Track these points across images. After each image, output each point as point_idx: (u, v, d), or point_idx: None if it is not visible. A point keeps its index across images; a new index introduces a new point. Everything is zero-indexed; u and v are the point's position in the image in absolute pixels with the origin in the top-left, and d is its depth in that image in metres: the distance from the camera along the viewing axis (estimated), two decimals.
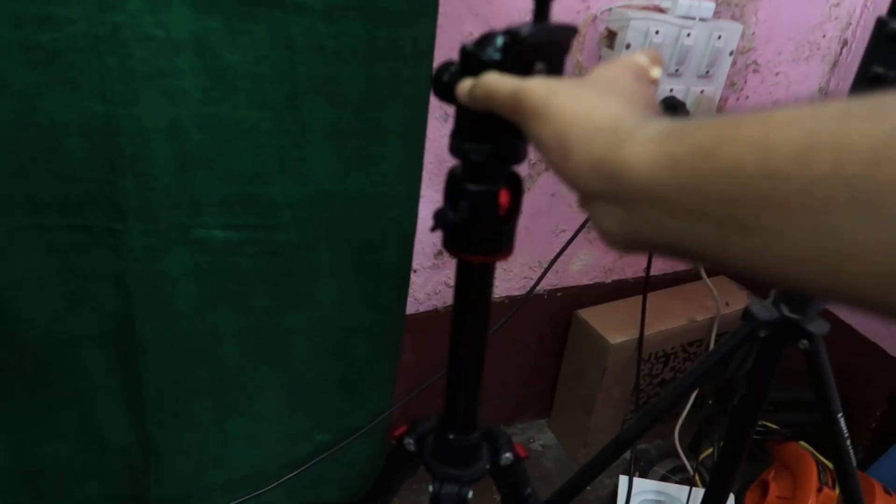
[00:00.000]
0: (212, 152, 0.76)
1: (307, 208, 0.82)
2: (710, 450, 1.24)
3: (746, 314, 0.73)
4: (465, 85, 0.40)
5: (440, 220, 0.47)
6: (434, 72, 0.44)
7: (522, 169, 1.03)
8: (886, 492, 1.04)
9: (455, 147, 0.45)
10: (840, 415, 0.70)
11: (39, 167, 0.72)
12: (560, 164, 0.30)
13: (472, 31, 0.91)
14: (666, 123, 0.26)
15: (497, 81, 0.37)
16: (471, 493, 0.59)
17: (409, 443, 0.63)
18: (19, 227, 0.74)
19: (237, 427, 0.97)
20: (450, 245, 0.49)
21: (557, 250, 1.12)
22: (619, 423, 1.27)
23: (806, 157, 0.20)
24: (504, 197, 0.48)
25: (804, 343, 0.70)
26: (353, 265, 0.89)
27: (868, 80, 0.60)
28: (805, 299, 0.69)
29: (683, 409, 1.25)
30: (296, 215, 0.82)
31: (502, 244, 0.49)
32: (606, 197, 0.28)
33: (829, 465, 1.09)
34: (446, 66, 0.44)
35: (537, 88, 0.33)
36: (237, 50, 0.71)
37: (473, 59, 0.40)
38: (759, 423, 1.18)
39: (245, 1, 0.69)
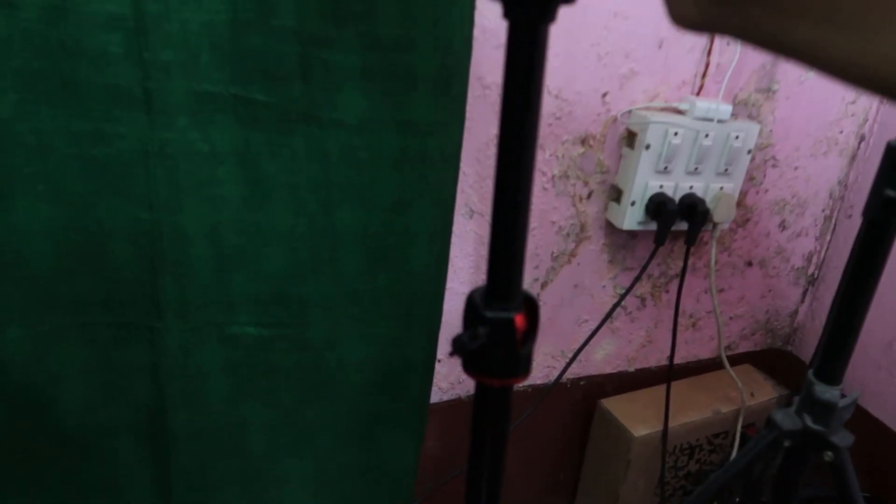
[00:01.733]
0: (248, 255, 0.79)
1: (337, 306, 0.85)
2: None
3: (770, 422, 0.73)
4: None
5: (458, 346, 0.48)
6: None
7: (544, 261, 1.06)
8: None
9: None
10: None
11: (86, 269, 0.76)
12: None
13: (497, 134, 0.95)
14: None
15: None
16: None
17: None
18: (63, 325, 0.78)
19: None
20: (469, 368, 0.51)
21: (580, 340, 1.13)
22: None
23: None
24: (521, 321, 0.50)
25: (829, 455, 0.69)
26: (380, 359, 0.91)
27: (881, 203, 0.62)
28: (828, 410, 0.69)
29: None
30: (326, 313, 0.85)
31: (520, 367, 0.51)
32: None
33: None
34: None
35: None
36: (275, 161, 0.76)
37: None
38: None
39: (284, 117, 0.74)
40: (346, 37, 0.71)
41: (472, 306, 0.49)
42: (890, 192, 0.60)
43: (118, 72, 0.67)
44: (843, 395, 0.70)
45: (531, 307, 0.50)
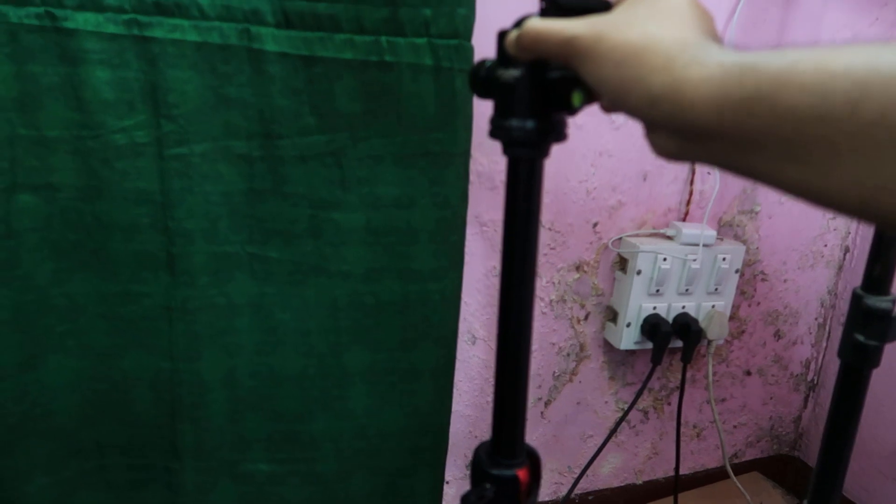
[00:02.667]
0: (261, 396, 0.84)
1: (346, 441, 0.88)
2: None
3: None
4: (511, 35, 0.39)
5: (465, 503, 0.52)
6: (471, 70, 0.45)
7: (546, 380, 1.09)
8: None
9: (495, 127, 0.42)
10: None
11: (108, 416, 0.80)
12: (620, 101, 0.32)
13: (496, 266, 1.01)
14: (720, 59, 0.27)
15: (545, 26, 0.36)
16: None
17: None
18: (85, 470, 0.82)
19: None
20: None
21: (586, 455, 1.15)
22: None
23: (857, 105, 0.22)
24: (524, 476, 0.54)
25: None
26: (388, 491, 0.93)
27: (852, 346, 0.66)
28: None
29: None
30: (336, 448, 0.88)
31: None
32: (667, 129, 0.30)
33: None
34: (481, 63, 0.45)
35: (588, 31, 0.33)
36: (288, 310, 0.81)
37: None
38: None
39: (296, 270, 0.80)
40: (351, 199, 0.78)
41: (478, 463, 0.53)
42: (859, 338, 0.65)
43: (145, 239, 0.74)
44: None
45: (534, 461, 0.54)
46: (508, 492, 0.53)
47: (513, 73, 0.40)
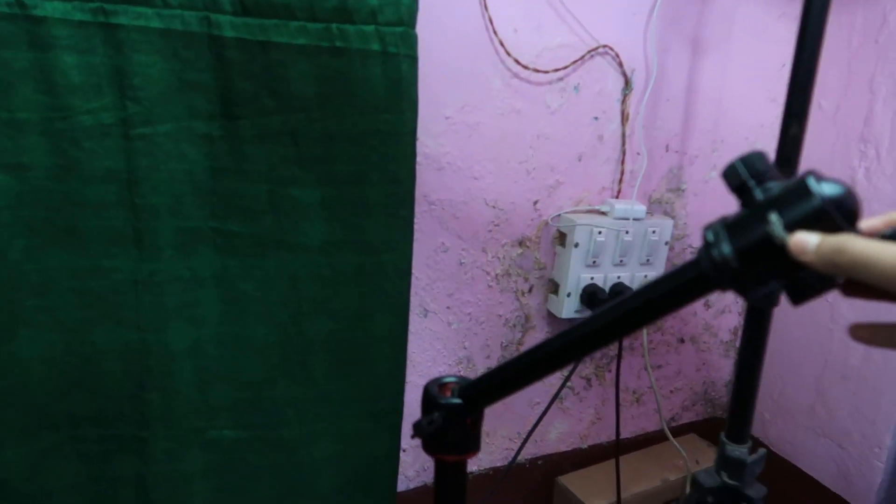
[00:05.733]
0: (226, 365, 0.89)
1: (309, 407, 0.94)
2: None
3: (695, 483, 0.84)
4: (810, 242, 0.34)
5: (418, 430, 0.59)
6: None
7: (495, 350, 1.17)
8: None
9: (746, 288, 0.39)
10: None
11: (80, 388, 0.84)
12: None
13: (444, 242, 1.08)
14: None
15: (874, 248, 0.32)
16: None
17: None
18: (57, 441, 0.85)
19: None
20: (429, 449, 0.61)
21: (534, 421, 1.23)
22: None
23: None
24: (467, 400, 0.61)
25: None
26: (350, 455, 0.99)
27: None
28: (739, 467, 0.80)
29: None
30: (299, 414, 0.94)
31: (471, 444, 0.61)
32: None
33: None
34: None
35: None
36: (250, 282, 0.87)
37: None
38: None
39: (257, 244, 0.86)
40: (307, 176, 0.84)
41: (429, 395, 0.60)
42: None
43: (113, 216, 0.79)
44: (752, 452, 0.81)
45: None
46: (456, 420, 0.60)
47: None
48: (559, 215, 1.16)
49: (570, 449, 1.35)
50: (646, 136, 1.19)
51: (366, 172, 0.87)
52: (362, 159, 0.86)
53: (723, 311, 1.43)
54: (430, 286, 1.10)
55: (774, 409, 1.40)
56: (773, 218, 0.36)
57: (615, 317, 0.48)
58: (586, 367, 1.30)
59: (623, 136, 1.17)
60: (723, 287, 0.40)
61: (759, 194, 0.38)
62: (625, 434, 1.40)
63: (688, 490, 1.32)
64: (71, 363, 0.83)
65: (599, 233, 1.13)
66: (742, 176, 0.39)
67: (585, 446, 1.37)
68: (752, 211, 0.37)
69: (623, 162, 1.19)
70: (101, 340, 0.83)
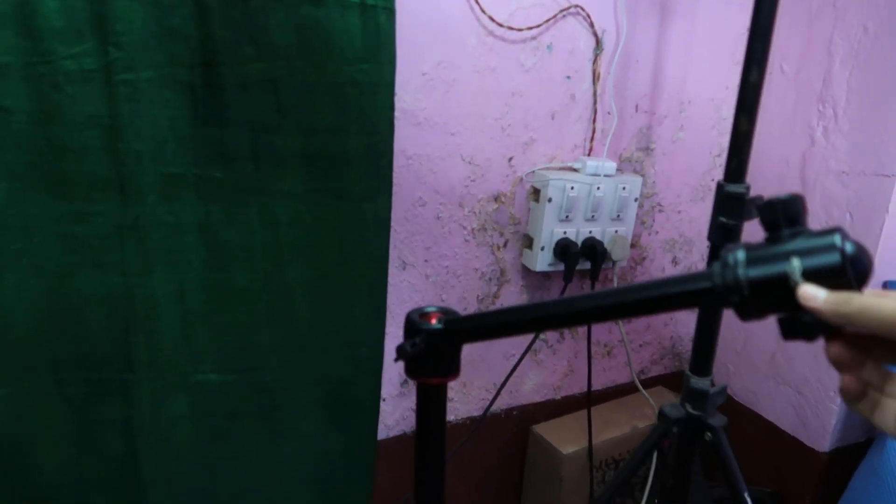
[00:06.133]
0: (210, 309, 0.91)
1: (291, 352, 0.97)
2: None
3: (661, 415, 0.88)
4: (823, 297, 0.38)
5: (401, 353, 0.62)
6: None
7: (471, 304, 1.20)
8: None
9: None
10: (745, 493, 0.84)
11: (64, 332, 0.86)
12: None
13: (421, 196, 1.11)
14: None
15: (878, 300, 0.36)
16: None
17: None
18: (42, 384, 0.87)
19: None
20: (410, 372, 0.65)
21: (508, 372, 1.28)
22: None
23: None
24: (444, 327, 0.64)
25: (708, 435, 0.85)
26: (331, 399, 1.02)
27: (718, 227, 0.80)
28: (702, 398, 0.85)
29: None
30: (281, 357, 0.96)
31: (451, 368, 0.65)
32: None
33: None
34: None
35: None
36: (233, 228, 0.89)
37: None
38: None
39: (239, 190, 0.88)
40: (288, 125, 0.86)
41: (411, 322, 0.63)
42: (722, 220, 0.79)
43: (96, 161, 0.80)
44: (713, 385, 0.87)
45: (450, 316, 0.65)
46: (437, 344, 0.64)
47: None
48: (533, 171, 1.19)
49: (544, 400, 1.40)
50: (616, 96, 1.23)
51: (345, 123, 0.89)
52: (341, 109, 0.88)
53: (690, 268, 1.48)
54: (408, 240, 1.13)
55: (737, 361, 1.46)
56: (796, 262, 0.38)
57: (616, 301, 0.51)
58: None
59: (594, 95, 1.21)
60: (726, 306, 0.43)
61: (787, 235, 0.40)
62: (596, 386, 1.45)
63: None
64: (55, 307, 0.84)
65: (572, 188, 1.17)
66: (777, 214, 0.41)
67: (559, 397, 1.42)
68: (777, 250, 0.40)
69: (594, 121, 1.23)
70: (85, 285, 0.85)
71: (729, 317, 1.33)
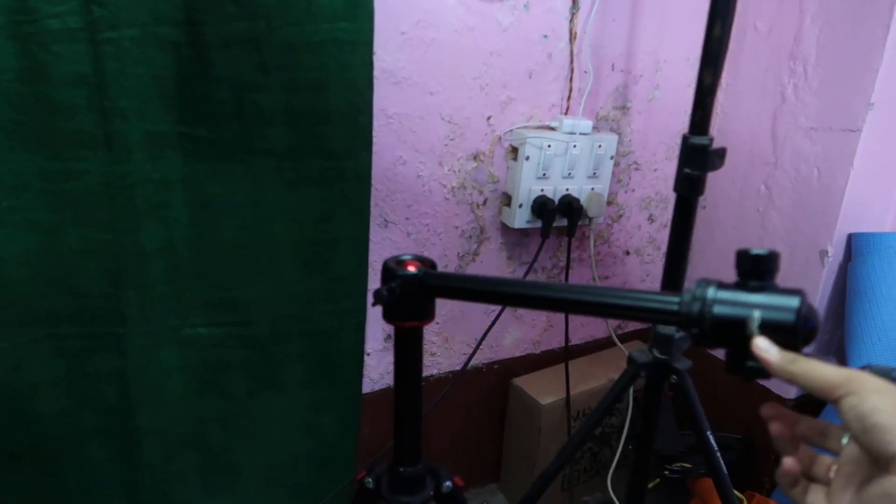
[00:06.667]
0: (198, 265, 0.94)
1: (278, 305, 1.00)
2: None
3: (630, 360, 0.93)
4: (775, 354, 0.42)
5: (378, 297, 0.66)
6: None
7: (452, 261, 1.24)
8: None
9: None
10: (709, 433, 0.90)
11: (57, 287, 0.89)
12: (878, 448, 0.38)
13: (402, 155, 1.14)
14: None
15: (817, 366, 0.41)
16: None
17: (369, 482, 0.79)
18: (38, 337, 0.90)
19: None
20: (387, 316, 0.69)
21: (489, 327, 1.32)
22: (559, 478, 1.43)
23: None
24: (416, 269, 0.68)
25: (674, 377, 0.90)
26: (317, 351, 1.06)
27: (683, 178, 0.84)
28: (668, 342, 0.90)
29: (612, 459, 1.43)
30: (268, 311, 1.00)
31: (426, 312, 0.69)
32: None
33: (740, 495, 1.27)
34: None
35: (882, 403, 0.38)
36: (218, 185, 0.92)
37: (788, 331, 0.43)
38: (678, 464, 1.37)
39: (223, 148, 0.90)
40: (271, 83, 0.89)
41: (388, 268, 0.67)
42: (687, 171, 0.82)
43: (83, 119, 0.83)
44: (678, 331, 0.91)
45: (430, 266, 0.69)
46: (412, 289, 0.67)
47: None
48: (511, 130, 1.22)
49: (524, 354, 1.45)
50: (592, 55, 1.25)
51: (326, 80, 0.91)
52: (322, 67, 0.91)
53: (665, 224, 1.53)
54: (389, 198, 1.16)
55: None
56: (756, 315, 0.43)
57: (588, 298, 0.56)
58: (538, 277, 1.39)
59: (571, 54, 1.23)
60: (684, 329, 0.47)
61: (755, 286, 0.45)
62: (575, 341, 1.51)
63: (632, 389, 1.43)
64: (47, 262, 0.87)
65: (549, 146, 1.20)
66: (752, 265, 0.45)
67: (538, 352, 1.47)
68: (743, 298, 0.45)
69: (571, 80, 1.25)
70: (75, 241, 0.87)
71: (704, 272, 1.38)
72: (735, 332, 0.44)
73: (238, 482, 1.10)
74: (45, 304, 0.89)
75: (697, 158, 0.81)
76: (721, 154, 0.83)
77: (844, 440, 0.44)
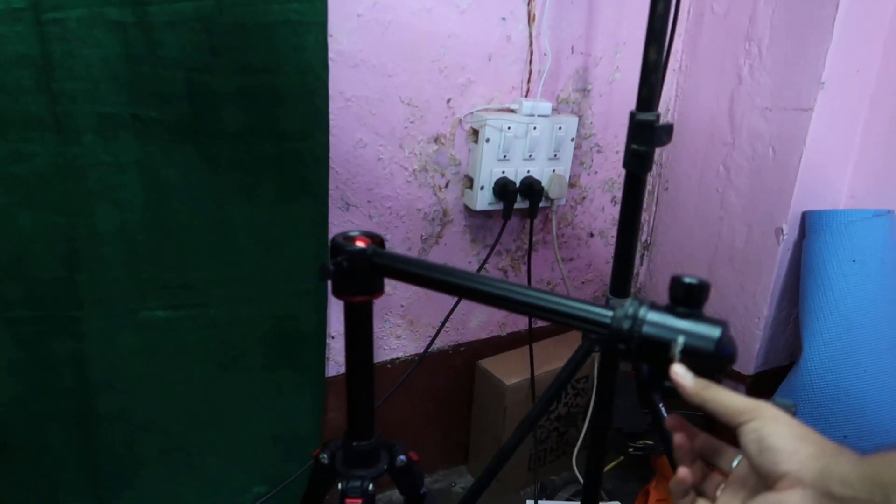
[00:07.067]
0: (153, 248, 0.94)
1: (235, 287, 1.01)
2: (605, 468, 1.43)
3: (585, 336, 0.95)
4: (689, 381, 0.46)
5: (323, 271, 0.67)
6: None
7: (415, 243, 1.24)
8: None
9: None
10: (661, 404, 0.92)
11: (9, 272, 0.88)
12: (769, 467, 0.41)
13: (362, 138, 1.14)
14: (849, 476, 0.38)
15: (727, 394, 0.45)
16: (371, 486, 0.76)
17: (324, 458, 0.80)
18: None
19: (185, 487, 1.10)
20: (337, 291, 0.69)
21: (455, 311, 1.33)
22: (526, 458, 1.45)
23: None
24: (372, 251, 0.69)
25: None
26: (277, 333, 1.07)
27: (632, 155, 0.85)
28: None
29: (577, 438, 1.45)
30: (226, 293, 1.00)
31: (375, 287, 0.70)
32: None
33: None
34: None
35: (780, 430, 0.42)
36: (171, 167, 0.92)
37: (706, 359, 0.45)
38: (641, 441, 1.39)
39: (175, 130, 0.90)
40: (222, 63, 0.89)
41: (336, 243, 0.67)
42: (634, 147, 0.84)
43: (30, 100, 0.82)
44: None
45: (379, 243, 0.70)
46: (359, 264, 0.68)
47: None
48: (472, 113, 1.23)
49: (489, 336, 1.46)
50: (552, 37, 1.26)
51: (278, 62, 0.92)
52: (274, 49, 0.91)
53: None
54: (350, 181, 1.16)
55: None
56: (680, 340, 0.46)
57: (527, 300, 0.58)
58: (502, 260, 1.40)
59: (530, 36, 1.24)
60: (613, 343, 0.49)
61: (684, 313, 0.47)
62: (540, 323, 1.52)
63: (596, 369, 1.45)
64: None
65: (509, 128, 1.21)
66: (684, 292, 0.47)
67: (504, 334, 1.48)
68: (671, 322, 0.47)
69: (531, 62, 1.26)
70: (27, 224, 0.87)
71: (668, 253, 1.39)
72: (659, 352, 0.47)
73: (201, 464, 1.10)
74: None
75: (644, 134, 0.82)
76: (668, 130, 0.84)
77: (735, 463, 0.48)
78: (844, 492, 0.38)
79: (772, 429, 0.42)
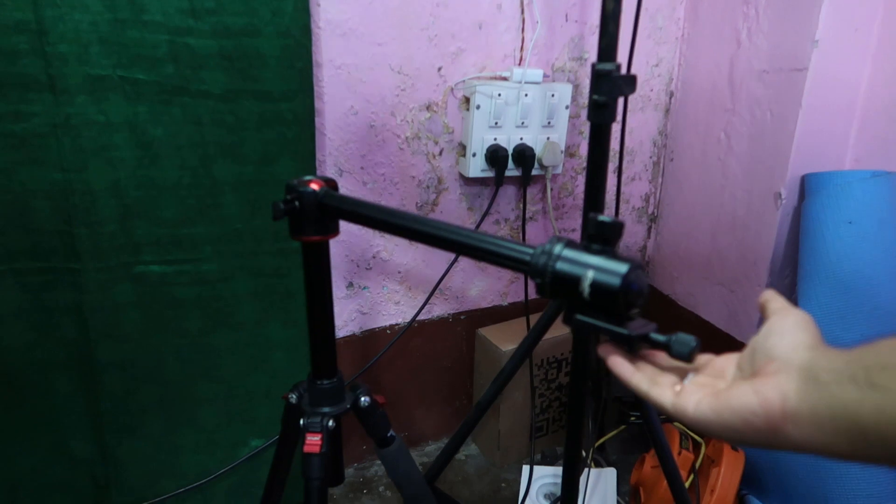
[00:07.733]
0: (145, 204, 1.00)
1: (224, 244, 1.06)
2: (605, 438, 1.43)
3: None
4: (614, 355, 0.50)
5: (277, 212, 0.70)
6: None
7: (411, 211, 1.27)
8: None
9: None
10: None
11: (14, 224, 0.95)
12: (768, 351, 0.43)
13: (353, 105, 1.18)
14: (809, 399, 0.38)
15: (630, 370, 0.49)
16: (332, 423, 0.79)
17: (293, 398, 0.84)
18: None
19: (184, 439, 1.16)
20: (293, 232, 0.73)
21: (451, 276, 1.36)
22: (526, 426, 1.46)
23: None
24: (321, 190, 0.72)
25: None
26: (267, 289, 1.11)
27: (594, 105, 0.86)
28: None
29: None
30: (216, 249, 1.05)
31: (330, 228, 0.73)
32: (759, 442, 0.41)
33: (691, 434, 1.29)
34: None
35: (790, 320, 0.45)
36: (160, 127, 0.97)
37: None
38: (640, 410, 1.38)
39: (162, 91, 0.96)
40: (202, 27, 0.94)
41: (289, 186, 0.71)
42: (596, 97, 0.84)
43: (27, 63, 0.89)
44: None
45: (332, 185, 0.73)
46: (311, 203, 0.71)
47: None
48: (463, 81, 1.25)
49: (491, 306, 1.48)
50: (545, 5, 1.27)
51: (258, 25, 0.96)
52: (253, 12, 0.95)
53: (633, 178, 1.54)
54: (343, 147, 1.20)
55: (679, 266, 1.52)
56: (589, 274, 0.48)
57: (454, 238, 0.64)
58: (501, 229, 1.42)
59: (521, 4, 1.25)
60: (532, 278, 0.52)
61: (597, 249, 0.49)
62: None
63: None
64: (3, 201, 0.94)
65: (499, 95, 1.22)
66: (597, 230, 0.49)
67: (506, 303, 1.50)
68: (583, 258, 0.49)
69: (523, 31, 1.27)
70: (28, 180, 0.94)
71: (673, 223, 1.38)
72: (570, 287, 0.49)
73: (198, 415, 1.16)
74: (3, 241, 0.96)
75: (604, 85, 0.83)
76: (630, 81, 0.84)
77: (687, 380, 0.49)
78: (830, 378, 0.38)
79: (783, 319, 0.45)
